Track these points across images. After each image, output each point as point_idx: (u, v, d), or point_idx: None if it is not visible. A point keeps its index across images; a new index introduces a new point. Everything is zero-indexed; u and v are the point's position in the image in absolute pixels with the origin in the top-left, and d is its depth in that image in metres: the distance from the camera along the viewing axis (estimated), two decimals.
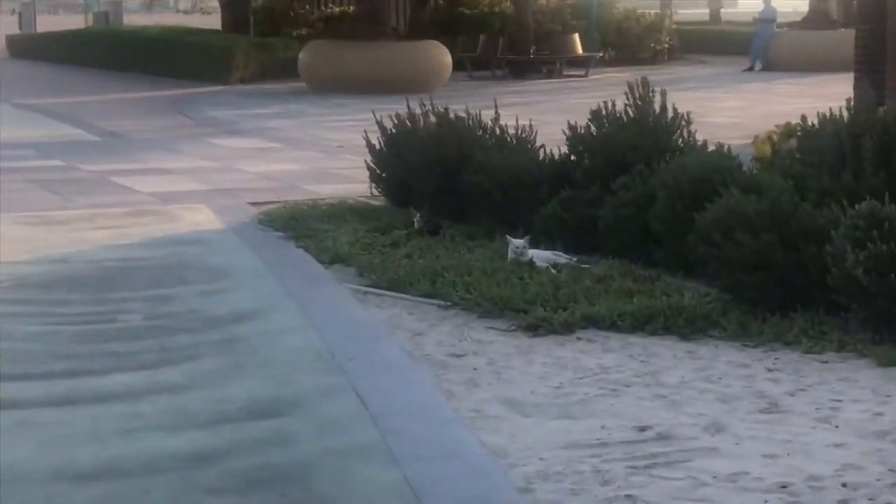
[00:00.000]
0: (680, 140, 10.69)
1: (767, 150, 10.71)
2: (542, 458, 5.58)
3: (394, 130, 12.61)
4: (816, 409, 6.21)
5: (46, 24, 52.63)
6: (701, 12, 63.52)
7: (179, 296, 8.85)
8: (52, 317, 8.27)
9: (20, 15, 52.56)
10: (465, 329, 7.99)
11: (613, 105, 10.89)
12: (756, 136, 12.08)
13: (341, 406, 6.35)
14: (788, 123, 10.94)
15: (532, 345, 7.56)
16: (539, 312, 8.00)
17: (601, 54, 35.44)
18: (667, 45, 40.00)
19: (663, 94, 10.82)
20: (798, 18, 39.56)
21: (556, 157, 11.27)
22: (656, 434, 5.90)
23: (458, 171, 11.34)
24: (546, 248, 9.70)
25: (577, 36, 34.87)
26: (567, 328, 7.81)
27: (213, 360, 7.23)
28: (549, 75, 33.31)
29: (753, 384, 6.67)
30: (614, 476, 5.35)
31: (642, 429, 5.98)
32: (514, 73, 33.22)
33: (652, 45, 39.37)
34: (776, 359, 7.15)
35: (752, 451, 5.60)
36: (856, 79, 19.46)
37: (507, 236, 9.78)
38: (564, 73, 33.68)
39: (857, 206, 7.60)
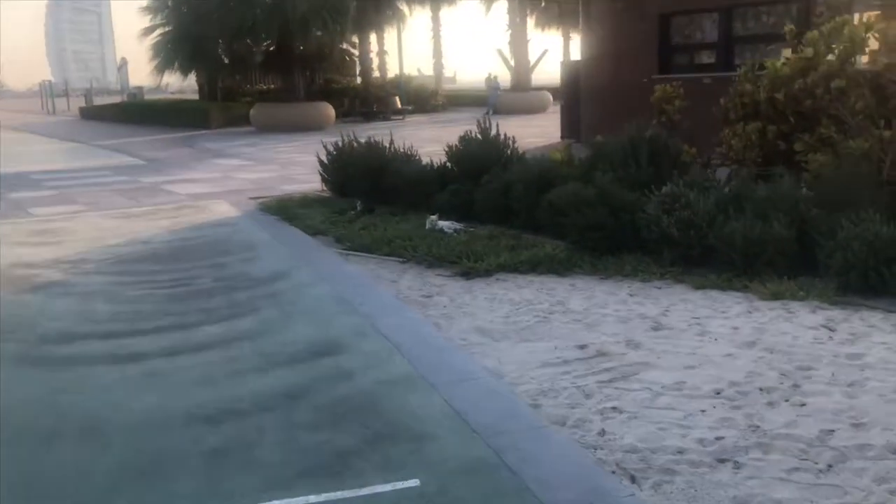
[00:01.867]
0: (509, 151, 9.15)
1: (558, 156, 9.27)
2: (532, 378, 4.02)
3: (334, 152, 10.75)
4: (688, 325, 4.78)
5: (100, 100, 48.18)
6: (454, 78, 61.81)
7: (230, 263, 6.97)
8: (148, 284, 6.33)
9: (85, 96, 48.73)
10: (423, 275, 6.33)
11: (472, 132, 9.29)
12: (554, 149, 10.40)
13: (373, 342, 4.69)
14: (568, 141, 9.43)
15: (470, 286, 5.99)
16: (466, 263, 6.42)
17: (411, 107, 33.60)
18: (441, 101, 38.33)
19: (491, 124, 9.31)
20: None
21: (436, 165, 9.53)
22: (596, 351, 4.42)
23: (381, 175, 9.63)
24: (446, 220, 8.05)
25: (397, 97, 33.09)
26: (488, 273, 6.24)
27: (270, 311, 5.44)
28: (384, 119, 31.35)
29: (631, 307, 5.22)
30: (592, 391, 3.87)
31: (582, 347, 4.49)
32: (365, 118, 31.18)
33: (433, 101, 37.66)
34: (629, 287, 5.72)
35: (674, 364, 4.15)
36: (562, 115, 18.31)
37: (428, 214, 8.14)
38: (392, 117, 31.73)
39: (662, 189, 6.23)
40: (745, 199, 6.25)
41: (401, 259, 6.88)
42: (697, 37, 14.36)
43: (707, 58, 14.32)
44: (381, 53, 38.88)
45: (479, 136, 9.42)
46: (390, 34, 40.37)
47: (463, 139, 9.30)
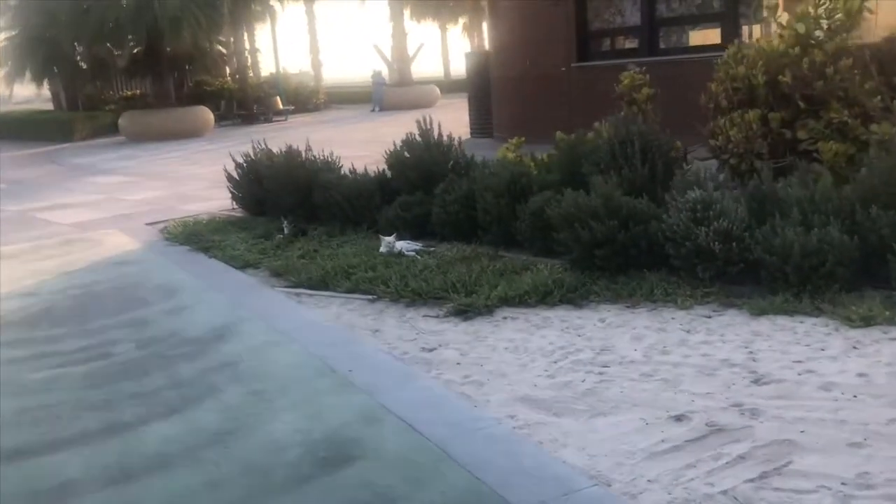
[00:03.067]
0: (455, 156, 7.98)
1: (509, 154, 8.17)
2: (649, 480, 2.87)
3: (244, 163, 9.26)
4: (796, 374, 3.75)
5: None
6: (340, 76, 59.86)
7: (152, 318, 5.48)
8: (51, 357, 4.79)
9: None
10: (408, 318, 5.08)
11: (415, 136, 8.04)
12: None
13: (397, 436, 3.43)
14: (519, 138, 8.35)
15: (476, 330, 4.79)
16: (458, 299, 5.22)
17: (292, 107, 31.77)
18: (322, 99, 36.62)
19: (431, 124, 8.05)
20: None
21: (371, 174, 8.24)
22: (706, 426, 3.31)
23: (309, 189, 8.26)
24: (400, 239, 6.82)
25: (277, 97, 31.21)
26: (489, 310, 5.05)
27: (233, 392, 4.07)
28: (266, 121, 29.51)
29: (701, 350, 4.15)
30: (749, 498, 2.72)
31: (680, 419, 3.37)
32: (244, 121, 29.30)
33: (314, 99, 35.93)
34: (673, 317, 4.66)
35: (828, 440, 3.09)
36: (470, 110, 17.31)
37: (380, 235, 6.92)
38: (274, 119, 29.88)
39: (688, 195, 5.21)
40: (778, 201, 5.33)
41: (369, 297, 5.59)
42: (617, 21, 13.57)
43: (629, 42, 13.56)
44: (254, 51, 36.82)
45: (418, 137, 8.16)
46: (261, 31, 38.50)
47: (406, 142, 8.04)
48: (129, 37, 23.06)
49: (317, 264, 6.44)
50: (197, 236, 8.08)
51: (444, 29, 47.37)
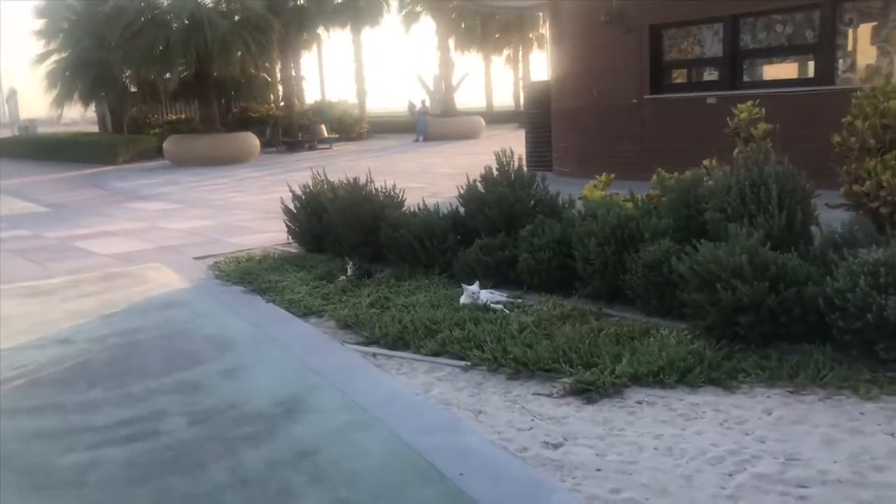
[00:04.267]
0: (538, 193, 7.05)
1: (597, 193, 7.23)
2: None
3: (303, 195, 8.43)
4: None
5: None
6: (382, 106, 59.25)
7: (205, 381, 4.58)
8: (87, 433, 3.89)
9: None
10: (515, 397, 4.11)
11: (492, 169, 7.14)
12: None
13: None
14: (608, 175, 7.39)
15: (607, 419, 3.81)
16: (574, 373, 4.26)
17: (337, 135, 31.18)
18: (366, 128, 36.04)
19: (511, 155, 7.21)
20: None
21: (442, 212, 7.34)
22: None
23: (375, 226, 7.39)
24: (483, 288, 5.89)
25: (322, 125, 30.65)
26: (615, 389, 4.07)
27: (315, 501, 3.10)
28: (310, 149, 28.95)
29: None
30: None
31: None
32: (289, 149, 28.75)
33: (357, 129, 35.35)
34: (862, 410, 3.65)
35: None
36: (527, 142, 16.43)
37: (463, 284, 5.97)
38: (318, 147, 29.29)
39: (870, 254, 4.21)
40: None
41: (461, 363, 4.65)
42: (696, 51, 12.63)
43: (708, 74, 12.61)
44: (299, 79, 36.53)
45: (495, 172, 7.24)
46: (307, 58, 38.23)
47: (485, 177, 7.13)
48: (179, 60, 22.56)
49: (390, 316, 5.52)
50: (251, 275, 7.22)
51: (488, 60, 46.76)
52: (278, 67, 30.46)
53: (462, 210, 7.32)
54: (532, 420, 3.81)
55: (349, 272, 7.01)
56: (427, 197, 7.82)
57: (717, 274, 4.56)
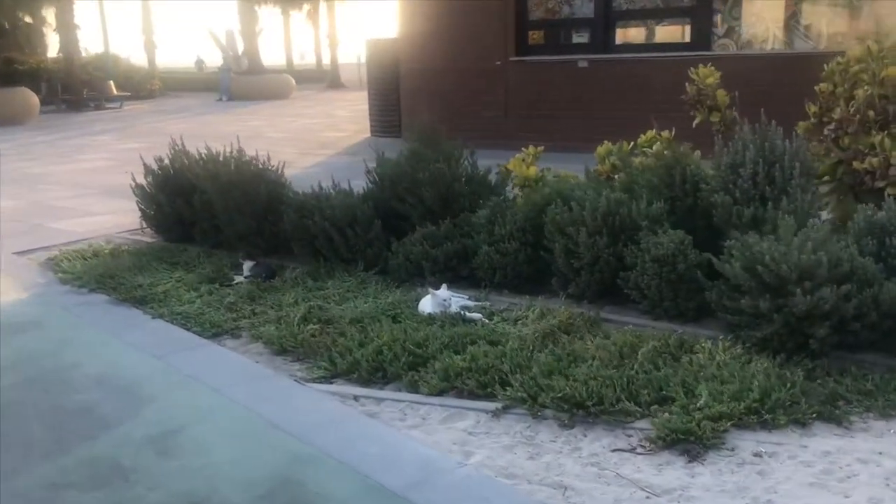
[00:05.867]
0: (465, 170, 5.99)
1: (530, 170, 6.29)
2: None
3: (159, 170, 6.78)
4: None
5: None
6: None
7: (127, 461, 3.10)
8: None
9: None
10: (582, 454, 3.08)
11: (417, 143, 5.98)
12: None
13: None
14: (536, 147, 6.46)
15: (740, 484, 2.89)
16: (659, 418, 3.30)
17: (128, 94, 28.00)
18: (157, 86, 32.80)
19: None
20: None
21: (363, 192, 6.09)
22: None
23: (273, 211, 6.01)
24: (448, 292, 4.79)
25: (111, 82, 27.36)
26: (716, 438, 3.16)
27: None
28: (97, 108, 25.79)
29: None
30: None
31: None
32: (71, 108, 25.40)
33: (148, 86, 32.08)
34: None
35: None
36: (371, 105, 15.26)
37: (429, 288, 4.79)
38: (106, 106, 26.15)
39: None
40: None
41: (491, 406, 3.53)
42: (565, 11, 11.97)
43: (578, 37, 12.01)
44: (73, 27, 32.49)
45: (422, 144, 6.07)
46: (85, 5, 34.26)
47: (412, 150, 5.94)
48: None
49: (347, 337, 4.27)
50: (112, 278, 5.59)
51: (286, 14, 44.46)
52: (53, 13, 26.76)
53: (376, 190, 6.08)
54: (648, 498, 2.80)
55: (246, 271, 5.61)
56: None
57: (785, 276, 3.76)
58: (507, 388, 3.57)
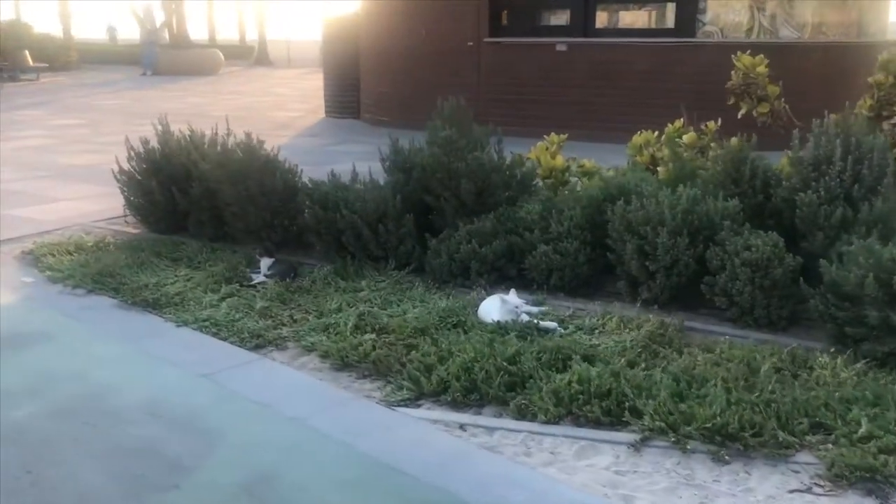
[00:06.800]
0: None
1: (558, 160, 5.88)
2: None
3: (144, 155, 6.07)
4: None
5: None
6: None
7: None
8: None
9: None
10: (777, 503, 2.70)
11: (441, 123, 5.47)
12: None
13: None
14: (560, 136, 6.05)
15: None
16: (829, 451, 2.94)
17: (46, 64, 26.24)
18: (74, 57, 30.90)
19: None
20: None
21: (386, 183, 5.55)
22: None
23: (291, 203, 5.41)
24: (513, 297, 4.34)
25: (27, 51, 25.55)
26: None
27: None
28: (12, 80, 24.07)
29: None
30: None
31: None
32: None
33: (64, 58, 30.19)
34: None
35: None
36: (326, 84, 14.57)
37: (501, 296, 4.29)
38: (21, 78, 24.43)
39: None
40: None
41: (625, 437, 3.10)
42: None
43: (556, 19, 11.64)
44: None
45: (448, 128, 5.51)
46: None
47: (449, 139, 5.39)
48: None
49: (422, 351, 3.76)
50: (111, 276, 4.92)
51: None
52: None
53: (402, 181, 5.53)
54: None
55: (264, 269, 5.02)
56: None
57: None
58: (641, 417, 3.14)
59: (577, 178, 6.04)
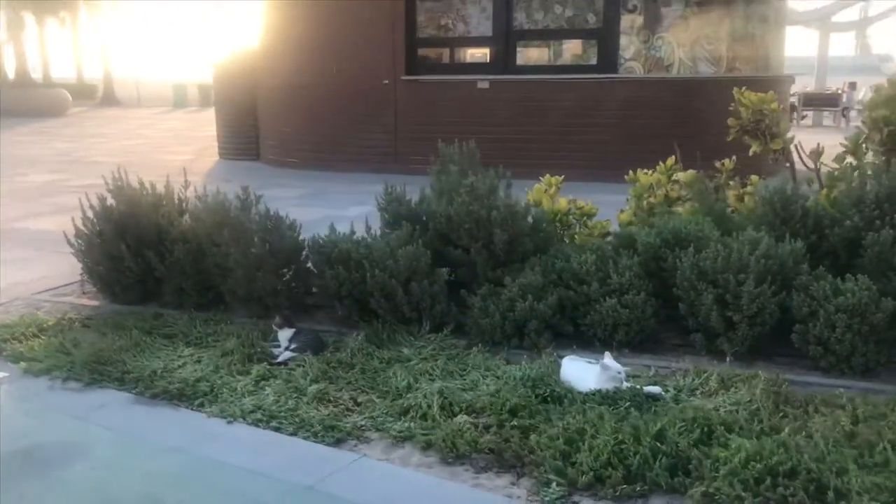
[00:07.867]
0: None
1: (559, 204, 5.55)
2: None
3: (100, 217, 5.23)
4: None
5: None
6: None
7: None
8: None
9: None
10: None
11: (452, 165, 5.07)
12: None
13: None
14: (556, 177, 5.77)
15: None
16: None
17: None
18: None
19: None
20: None
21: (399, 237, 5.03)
22: None
23: (290, 265, 4.79)
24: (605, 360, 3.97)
25: None
26: None
27: None
28: None
29: None
30: None
31: None
32: None
33: None
34: None
35: None
36: (220, 125, 13.70)
37: (603, 359, 3.82)
38: None
39: None
40: None
41: None
42: (460, 28, 11.34)
43: (474, 56, 11.44)
44: None
45: (471, 182, 5.03)
46: None
47: (472, 186, 4.93)
48: None
49: (551, 439, 3.27)
50: (109, 364, 4.10)
51: (41, 24, 39.86)
52: None
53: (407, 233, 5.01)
54: None
55: (284, 342, 4.37)
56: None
57: None
58: (848, 500, 2.81)
59: (576, 221, 5.74)
